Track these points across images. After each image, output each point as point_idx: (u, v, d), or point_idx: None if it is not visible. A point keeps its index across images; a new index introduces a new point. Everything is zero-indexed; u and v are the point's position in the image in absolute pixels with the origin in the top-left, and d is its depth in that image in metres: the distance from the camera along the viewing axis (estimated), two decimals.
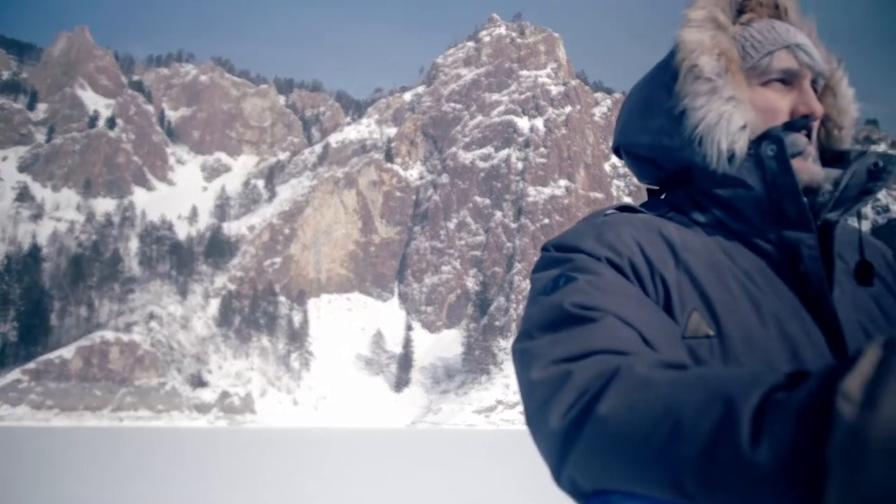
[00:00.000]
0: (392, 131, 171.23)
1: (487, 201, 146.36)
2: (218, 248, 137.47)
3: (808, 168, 0.84)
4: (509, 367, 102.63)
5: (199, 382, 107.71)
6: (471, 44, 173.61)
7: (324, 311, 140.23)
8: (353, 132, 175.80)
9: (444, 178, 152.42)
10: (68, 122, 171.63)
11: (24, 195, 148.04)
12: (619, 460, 0.57)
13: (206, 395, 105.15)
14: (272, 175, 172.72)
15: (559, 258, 0.81)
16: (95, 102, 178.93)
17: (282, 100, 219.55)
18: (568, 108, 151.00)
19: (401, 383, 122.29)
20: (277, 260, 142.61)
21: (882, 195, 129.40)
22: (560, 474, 0.65)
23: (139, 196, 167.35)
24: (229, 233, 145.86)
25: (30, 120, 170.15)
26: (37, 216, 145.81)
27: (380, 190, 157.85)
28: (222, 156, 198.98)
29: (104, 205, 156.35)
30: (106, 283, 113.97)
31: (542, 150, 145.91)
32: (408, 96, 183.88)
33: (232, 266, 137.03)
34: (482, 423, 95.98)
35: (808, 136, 0.85)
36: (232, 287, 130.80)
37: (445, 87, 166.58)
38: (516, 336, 0.76)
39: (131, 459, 23.08)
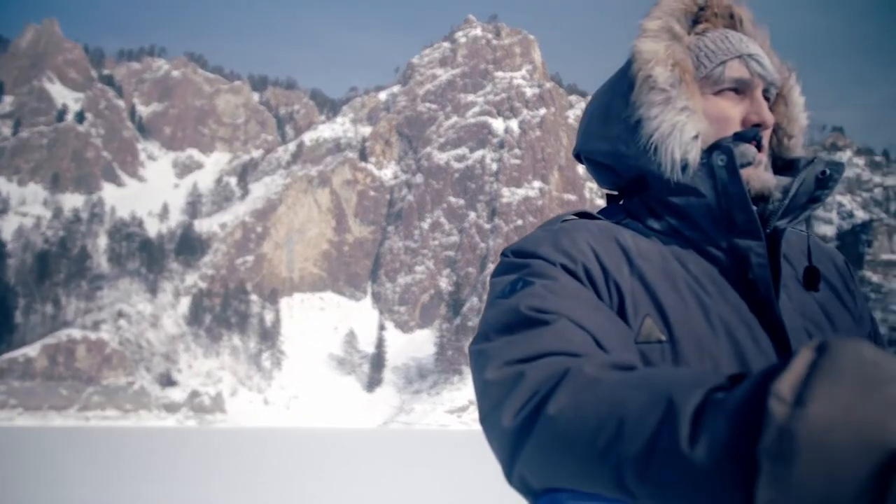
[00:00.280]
0: (367, 130, 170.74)
1: (461, 202, 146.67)
2: (189, 245, 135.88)
3: (760, 176, 0.87)
4: None
5: (168, 382, 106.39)
6: (446, 44, 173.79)
7: (296, 310, 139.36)
8: (327, 131, 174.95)
9: (419, 178, 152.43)
10: (35, 115, 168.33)
11: None
12: (567, 458, 0.58)
13: (176, 395, 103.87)
14: (245, 172, 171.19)
15: (517, 263, 0.83)
16: (64, 96, 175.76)
17: (256, 97, 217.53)
18: (542, 110, 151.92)
19: (373, 383, 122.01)
20: (250, 258, 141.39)
21: (847, 201, 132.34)
22: (511, 473, 0.67)
23: (108, 192, 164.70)
24: (201, 230, 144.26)
25: None
26: (2, 211, 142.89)
27: (354, 189, 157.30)
28: (194, 152, 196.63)
29: (72, 200, 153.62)
30: (73, 281, 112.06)
31: (516, 151, 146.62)
32: (383, 96, 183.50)
33: (203, 264, 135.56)
34: (454, 424, 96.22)
35: (759, 144, 0.87)
36: (203, 285, 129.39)
37: (421, 87, 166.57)
38: (473, 337, 0.78)
39: (98, 460, 22.81)
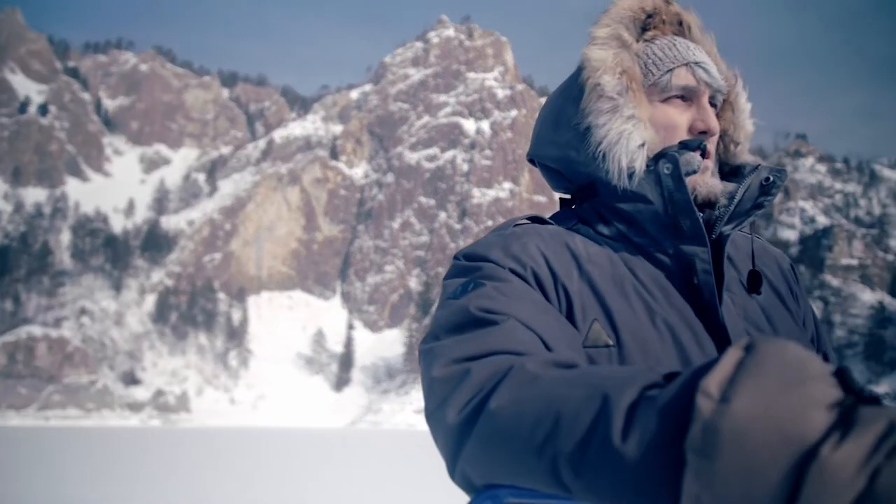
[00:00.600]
0: (338, 129, 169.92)
1: (432, 202, 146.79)
2: (155, 242, 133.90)
3: (706, 183, 0.89)
4: None
5: (132, 380, 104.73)
6: (419, 44, 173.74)
7: (264, 308, 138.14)
8: (297, 128, 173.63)
9: (390, 178, 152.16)
10: None
11: None
12: (506, 453, 0.60)
13: (140, 394, 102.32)
14: (214, 169, 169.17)
15: (468, 266, 0.85)
16: (27, 88, 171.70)
17: (225, 93, 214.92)
18: (514, 112, 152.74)
19: (341, 383, 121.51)
20: (217, 256, 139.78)
21: (809, 206, 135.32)
22: (454, 469, 0.68)
23: (72, 187, 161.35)
24: (168, 227, 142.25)
25: None
26: None
27: (324, 187, 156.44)
28: (162, 148, 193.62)
29: (34, 194, 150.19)
30: (34, 277, 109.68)
31: (487, 152, 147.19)
32: (354, 94, 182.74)
33: (169, 261, 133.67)
34: (422, 424, 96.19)
35: (704, 152, 0.89)
36: (169, 283, 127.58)
37: (393, 87, 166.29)
38: (424, 337, 0.79)
39: (58, 460, 22.44)
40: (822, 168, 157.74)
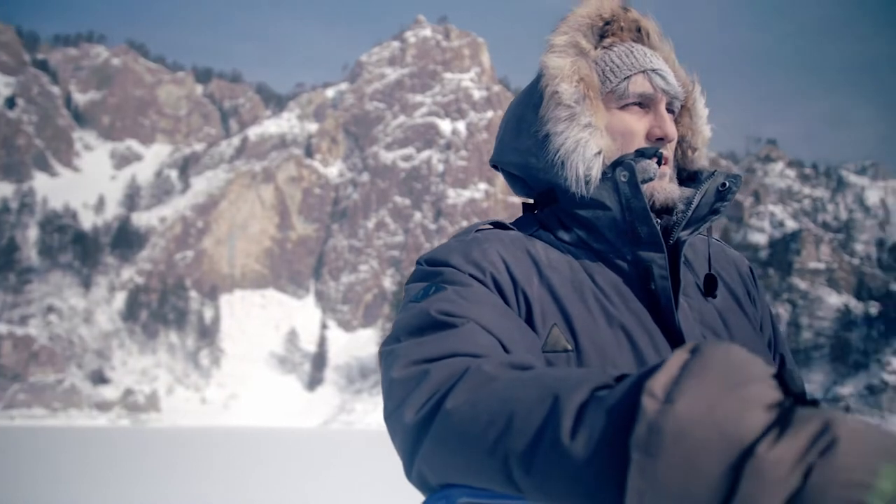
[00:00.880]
0: (313, 127, 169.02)
1: (407, 202, 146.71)
2: (126, 239, 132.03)
3: (664, 189, 0.91)
4: None
5: (100, 379, 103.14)
6: (396, 43, 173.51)
7: (237, 307, 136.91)
8: (272, 126, 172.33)
9: (365, 177, 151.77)
10: None
11: None
12: (460, 453, 0.61)
13: (109, 393, 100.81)
14: (186, 166, 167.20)
15: (430, 271, 0.87)
16: None
17: (199, 89, 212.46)
18: (490, 113, 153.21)
19: (314, 382, 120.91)
20: (189, 253, 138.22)
21: (779, 210, 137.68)
22: (410, 469, 0.69)
23: (40, 181, 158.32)
24: (139, 224, 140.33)
25: None
26: None
27: (298, 186, 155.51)
28: (133, 143, 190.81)
29: (0, 189, 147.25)
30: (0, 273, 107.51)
31: (462, 153, 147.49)
32: (330, 92, 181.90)
33: (140, 258, 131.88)
34: None
35: (660, 159, 0.91)
36: (140, 280, 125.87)
37: (369, 86, 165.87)
38: (385, 339, 0.81)
39: (23, 460, 22.09)
40: (791, 173, 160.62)
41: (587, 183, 0.88)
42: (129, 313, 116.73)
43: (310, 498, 12.61)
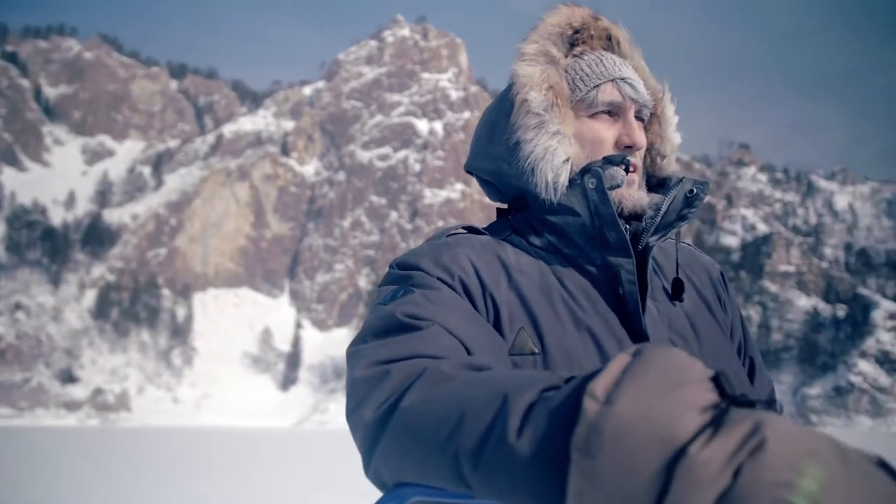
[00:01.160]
0: (289, 125, 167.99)
1: (383, 201, 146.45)
2: (97, 236, 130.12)
3: (632, 195, 0.93)
4: None
5: (69, 378, 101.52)
6: (374, 43, 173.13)
7: (210, 306, 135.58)
8: (248, 123, 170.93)
9: (341, 176, 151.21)
10: None
11: None
12: (414, 451, 0.63)
13: (77, 392, 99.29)
14: (160, 162, 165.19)
15: (400, 275, 0.89)
16: None
17: (174, 84, 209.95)
18: (467, 114, 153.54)
19: (288, 382, 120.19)
20: (162, 251, 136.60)
21: (751, 214, 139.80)
22: (368, 466, 0.70)
23: (8, 176, 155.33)
24: (110, 221, 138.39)
25: None
26: None
27: (274, 184, 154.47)
28: (106, 139, 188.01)
29: None
30: None
31: (439, 153, 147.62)
32: (307, 90, 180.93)
33: (112, 256, 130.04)
34: None
35: (627, 167, 0.92)
36: (111, 278, 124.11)
37: (346, 84, 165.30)
38: (353, 340, 0.82)
39: None
40: (763, 177, 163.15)
41: (556, 190, 0.90)
42: (100, 311, 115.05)
43: (282, 499, 12.55)
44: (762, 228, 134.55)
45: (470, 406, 0.59)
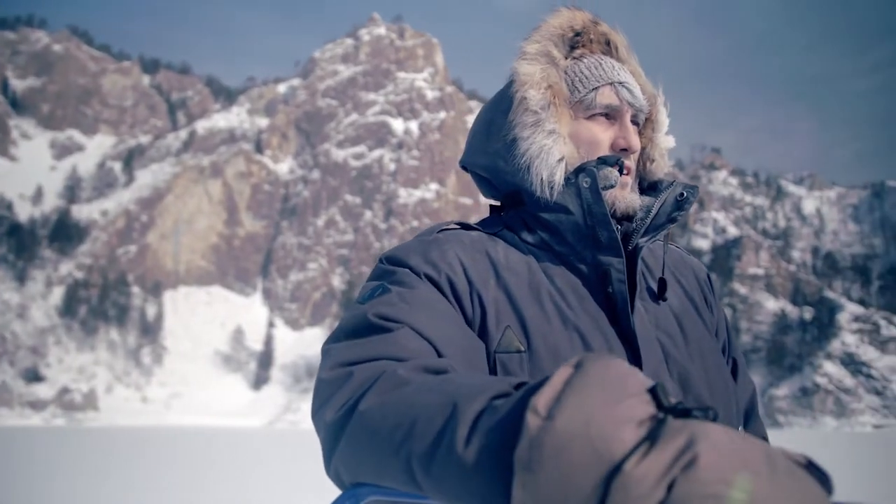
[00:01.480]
0: (264, 122, 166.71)
1: (358, 200, 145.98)
2: (65, 232, 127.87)
3: (625, 197, 0.95)
4: None
5: (34, 377, 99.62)
6: (350, 41, 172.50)
7: (181, 304, 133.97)
8: (221, 120, 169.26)
9: (315, 174, 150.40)
10: None
11: None
12: (370, 453, 0.64)
13: (43, 391, 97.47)
14: (131, 158, 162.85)
15: (386, 270, 0.89)
16: None
17: (146, 79, 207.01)
18: (442, 114, 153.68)
19: (260, 381, 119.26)
20: (132, 248, 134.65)
21: (721, 217, 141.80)
22: (329, 466, 0.71)
23: None
24: (79, 217, 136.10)
25: None
26: None
27: (247, 182, 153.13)
28: (75, 133, 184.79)
29: None
30: None
31: (414, 152, 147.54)
32: (282, 88, 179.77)
33: (80, 253, 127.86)
34: None
35: (621, 168, 0.94)
36: (79, 275, 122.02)
37: (321, 82, 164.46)
38: (328, 337, 0.83)
39: None
40: (734, 181, 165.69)
41: (551, 188, 0.91)
42: (67, 309, 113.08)
43: (253, 499, 12.47)
44: (732, 231, 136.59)
45: (422, 413, 0.60)
